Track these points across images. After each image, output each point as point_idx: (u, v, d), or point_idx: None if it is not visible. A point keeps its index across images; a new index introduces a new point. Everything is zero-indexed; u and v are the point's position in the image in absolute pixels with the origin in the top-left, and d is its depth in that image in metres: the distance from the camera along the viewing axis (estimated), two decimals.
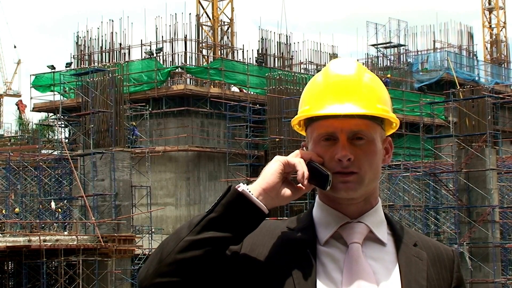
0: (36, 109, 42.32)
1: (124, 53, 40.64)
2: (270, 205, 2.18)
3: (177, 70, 39.42)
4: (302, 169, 2.20)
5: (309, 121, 2.29)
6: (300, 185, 2.22)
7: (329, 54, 45.90)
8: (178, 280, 2.13)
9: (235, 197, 2.16)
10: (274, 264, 2.23)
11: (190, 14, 40.85)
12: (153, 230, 32.24)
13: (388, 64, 50.05)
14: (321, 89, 2.27)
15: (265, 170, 2.20)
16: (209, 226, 2.14)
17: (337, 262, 2.23)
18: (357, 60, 2.41)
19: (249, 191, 2.16)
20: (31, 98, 41.74)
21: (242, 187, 2.17)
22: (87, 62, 40.72)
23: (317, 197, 2.34)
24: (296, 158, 2.23)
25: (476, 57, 53.79)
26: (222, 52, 43.25)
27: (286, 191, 2.21)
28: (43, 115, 46.51)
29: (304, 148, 2.32)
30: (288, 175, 2.22)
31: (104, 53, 40.94)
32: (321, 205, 2.31)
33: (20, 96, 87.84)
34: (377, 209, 2.30)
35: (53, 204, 35.66)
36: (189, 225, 2.17)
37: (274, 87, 35.34)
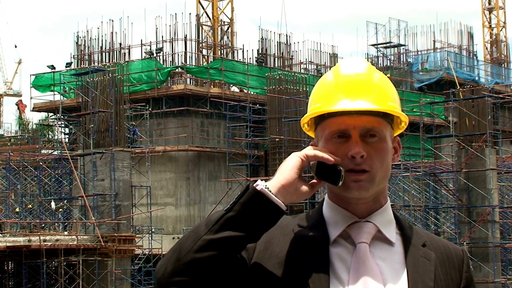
0: (36, 109, 42.32)
1: (124, 53, 40.65)
2: (288, 201, 2.18)
3: (177, 70, 39.41)
4: (325, 154, 2.21)
5: (320, 119, 2.28)
6: (313, 181, 2.23)
7: (329, 54, 45.89)
8: (197, 278, 2.13)
9: (254, 195, 2.15)
10: (288, 262, 2.22)
11: (190, 14, 40.90)
12: (153, 230, 32.24)
13: (388, 64, 50.05)
14: (332, 88, 2.27)
15: (283, 166, 2.20)
16: (228, 225, 2.13)
17: (345, 262, 2.22)
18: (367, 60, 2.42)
19: (267, 188, 2.16)
20: (31, 98, 41.78)
21: (260, 185, 2.16)
22: (87, 62, 40.71)
23: (326, 196, 2.34)
24: (318, 151, 2.22)
25: (476, 57, 53.80)
26: (222, 52, 43.24)
27: (304, 187, 2.20)
28: (43, 115, 46.53)
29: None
30: (301, 172, 2.21)
31: (104, 53, 40.93)
32: (330, 204, 2.31)
33: (20, 96, 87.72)
34: (386, 208, 2.30)
35: (53, 204, 35.65)
36: (206, 223, 2.16)
37: (274, 87, 35.36)
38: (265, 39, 42.29)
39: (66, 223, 35.53)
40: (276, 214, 2.17)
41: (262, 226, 2.17)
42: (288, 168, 2.19)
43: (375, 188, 2.24)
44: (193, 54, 39.83)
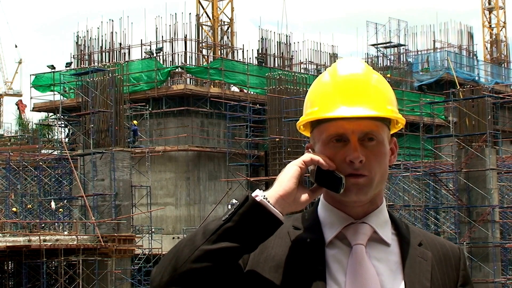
0: (36, 109, 42.32)
1: (124, 53, 40.66)
2: (286, 211, 2.17)
3: (177, 70, 39.41)
4: (324, 160, 2.20)
5: (317, 123, 2.27)
6: (314, 187, 2.22)
7: (329, 54, 45.87)
8: None
9: (253, 206, 2.14)
10: (284, 265, 2.22)
11: (190, 14, 40.91)
12: (153, 230, 32.25)
13: (388, 64, 50.04)
14: (330, 90, 2.25)
15: (281, 175, 2.19)
16: (225, 236, 2.12)
17: (341, 263, 2.22)
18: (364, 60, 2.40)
19: (266, 199, 2.15)
20: (31, 98, 41.80)
21: (259, 196, 2.15)
22: (87, 62, 40.72)
23: (321, 197, 2.33)
24: (314, 155, 2.22)
25: (476, 57, 53.80)
26: (222, 52, 43.25)
27: (303, 196, 2.19)
28: (43, 115, 46.53)
29: (309, 149, 2.30)
30: (301, 178, 2.21)
31: (104, 53, 40.94)
32: (326, 205, 2.30)
33: (20, 96, 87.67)
34: (382, 209, 2.29)
35: (53, 204, 35.66)
36: (204, 232, 2.14)
37: (274, 87, 35.39)
38: (265, 39, 42.29)
39: (67, 223, 35.53)
40: (274, 225, 2.16)
41: (260, 237, 2.16)
42: (286, 178, 2.17)
43: (373, 191, 2.23)
44: (193, 54, 39.87)
